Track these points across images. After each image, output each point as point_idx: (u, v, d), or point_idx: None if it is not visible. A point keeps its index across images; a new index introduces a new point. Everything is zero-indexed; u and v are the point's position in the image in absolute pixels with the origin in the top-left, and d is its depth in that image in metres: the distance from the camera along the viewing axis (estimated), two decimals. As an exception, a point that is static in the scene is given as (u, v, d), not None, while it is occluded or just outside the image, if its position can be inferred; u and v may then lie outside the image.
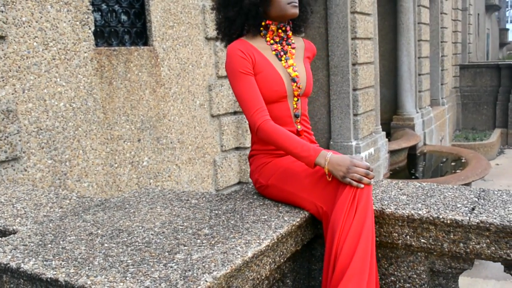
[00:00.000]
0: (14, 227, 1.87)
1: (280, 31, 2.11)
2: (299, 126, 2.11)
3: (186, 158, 4.54)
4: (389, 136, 10.18)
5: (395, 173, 9.14)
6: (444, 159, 10.56)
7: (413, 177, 9.38)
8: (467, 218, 1.75)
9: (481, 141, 14.24)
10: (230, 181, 5.11)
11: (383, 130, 8.84)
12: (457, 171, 9.22)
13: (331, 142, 7.60)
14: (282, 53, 2.11)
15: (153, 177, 4.19)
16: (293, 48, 2.16)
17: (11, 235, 1.73)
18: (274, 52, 2.10)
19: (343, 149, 7.49)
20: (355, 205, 1.77)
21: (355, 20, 7.28)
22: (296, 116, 2.10)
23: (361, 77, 7.58)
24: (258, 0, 2.01)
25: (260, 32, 2.11)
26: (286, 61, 2.10)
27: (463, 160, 9.86)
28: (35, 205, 2.13)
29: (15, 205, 2.14)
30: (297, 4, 2.05)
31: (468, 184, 8.55)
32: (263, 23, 2.09)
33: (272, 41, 2.11)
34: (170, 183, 4.38)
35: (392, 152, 9.07)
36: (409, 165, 9.93)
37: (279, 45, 2.12)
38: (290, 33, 2.15)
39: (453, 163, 10.09)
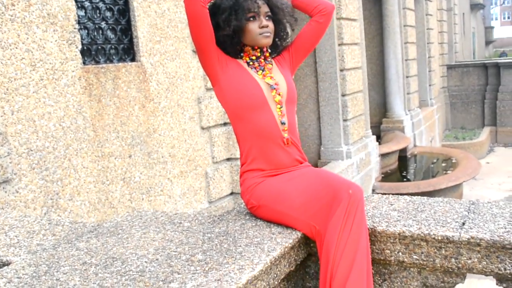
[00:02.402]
0: (8, 258, 1.87)
1: (255, 51, 2.15)
2: (285, 135, 2.11)
3: (177, 171, 4.54)
4: (379, 139, 10.23)
5: (386, 176, 9.18)
6: (435, 160, 10.63)
7: (404, 179, 9.44)
8: (458, 234, 1.77)
9: (471, 140, 14.34)
10: (223, 192, 5.12)
11: (373, 134, 8.89)
12: (448, 171, 9.29)
13: (322, 148, 7.64)
14: (259, 68, 2.14)
15: (145, 192, 4.19)
16: (270, 63, 2.19)
17: (5, 267, 1.72)
18: (250, 68, 2.13)
19: (334, 154, 7.52)
20: (350, 224, 1.78)
21: (341, 26, 7.33)
22: (283, 123, 2.10)
23: (349, 82, 7.62)
24: (230, 32, 2.05)
25: (237, 55, 2.15)
26: (264, 74, 2.12)
27: (453, 161, 9.94)
28: (28, 233, 2.12)
29: (7, 234, 2.14)
30: (269, 34, 2.09)
31: (459, 185, 8.63)
32: (238, 47, 2.13)
33: (248, 59, 2.15)
34: (163, 198, 4.38)
35: (383, 156, 9.12)
36: (400, 168, 9.98)
37: (256, 62, 2.15)
38: (267, 53, 2.18)
39: (443, 164, 10.16)
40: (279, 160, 2.10)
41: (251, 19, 2.07)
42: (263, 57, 2.17)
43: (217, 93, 2.15)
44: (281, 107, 2.11)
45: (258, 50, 2.15)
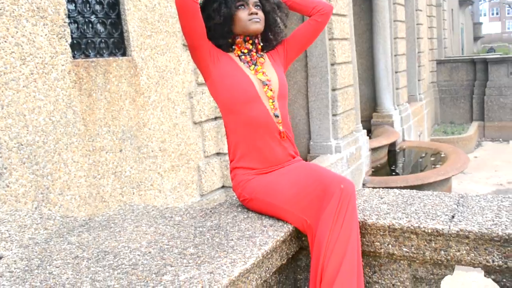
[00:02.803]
0: (-1, 252, 1.87)
1: (247, 43, 2.16)
2: (280, 127, 2.12)
3: (168, 165, 4.54)
4: (370, 133, 10.29)
5: (376, 170, 9.24)
6: (423, 154, 10.71)
7: (393, 173, 9.50)
8: (447, 226, 1.79)
9: (459, 135, 14.46)
10: (214, 186, 5.13)
11: (364, 128, 8.93)
12: (437, 166, 9.36)
13: (311, 143, 7.66)
14: (251, 62, 2.15)
15: (136, 186, 4.18)
16: (262, 57, 2.20)
17: (-3, 261, 1.73)
18: (242, 63, 2.14)
19: (323, 149, 7.55)
20: (341, 219, 1.80)
21: (331, 22, 7.34)
22: (276, 116, 2.11)
23: (340, 76, 7.64)
24: (221, 21, 2.07)
25: (230, 48, 2.17)
26: (256, 69, 2.13)
27: (442, 155, 10.02)
28: (20, 227, 2.12)
29: (-2, 228, 2.13)
30: (258, 20, 2.11)
31: (448, 179, 8.70)
32: (229, 40, 2.14)
33: (239, 52, 2.16)
34: (153, 192, 4.38)
35: (373, 150, 9.17)
36: (389, 162, 10.04)
37: (247, 56, 2.16)
38: (259, 46, 2.19)
39: (432, 158, 10.24)
40: (274, 155, 2.10)
41: (240, 7, 2.10)
42: (255, 50, 2.17)
43: (209, 88, 2.15)
44: (273, 102, 2.12)
45: (250, 42, 2.16)
